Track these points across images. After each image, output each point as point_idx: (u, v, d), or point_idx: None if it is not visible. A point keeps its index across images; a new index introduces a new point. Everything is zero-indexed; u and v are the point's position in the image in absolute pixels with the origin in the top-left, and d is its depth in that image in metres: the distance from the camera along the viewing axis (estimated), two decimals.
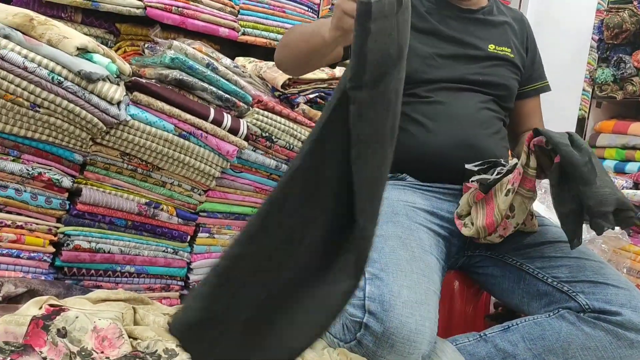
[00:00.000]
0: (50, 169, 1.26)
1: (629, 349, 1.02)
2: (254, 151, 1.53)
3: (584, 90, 3.26)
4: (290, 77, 1.64)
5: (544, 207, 1.13)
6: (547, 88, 1.48)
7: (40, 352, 0.92)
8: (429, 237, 1.15)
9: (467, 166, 1.15)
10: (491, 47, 1.34)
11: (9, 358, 0.89)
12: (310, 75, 1.59)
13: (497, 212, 1.09)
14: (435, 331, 1.02)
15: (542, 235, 1.21)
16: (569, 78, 2.93)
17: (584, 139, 3.25)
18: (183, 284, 1.51)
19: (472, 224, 1.14)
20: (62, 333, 0.95)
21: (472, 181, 1.12)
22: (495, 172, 1.12)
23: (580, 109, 3.25)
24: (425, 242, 1.13)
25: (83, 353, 0.94)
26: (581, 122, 3.30)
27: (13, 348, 0.92)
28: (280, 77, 1.65)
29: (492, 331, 1.12)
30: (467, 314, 1.36)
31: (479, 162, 1.16)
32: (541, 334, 1.07)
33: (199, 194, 1.48)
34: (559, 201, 1.03)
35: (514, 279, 1.19)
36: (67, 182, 1.28)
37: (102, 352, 0.96)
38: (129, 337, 1.01)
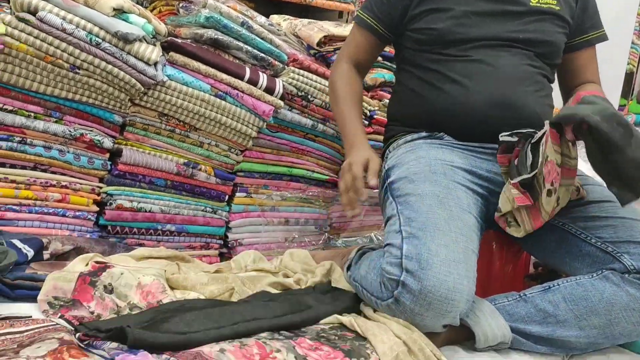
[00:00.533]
0: (91, 130, 1.28)
1: None
2: (290, 110, 1.52)
3: (633, 43, 3.10)
4: (326, 34, 1.61)
5: (587, 167, 1.09)
6: (602, 38, 1.37)
7: (88, 306, 0.96)
8: (468, 196, 1.14)
9: (500, 137, 1.12)
10: (533, 1, 1.27)
11: (59, 312, 0.93)
12: (346, 33, 1.56)
13: (544, 214, 1.08)
14: (473, 290, 1.02)
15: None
16: (618, 30, 2.78)
17: (632, 94, 3.12)
18: (222, 242, 1.54)
19: (518, 224, 1.12)
20: (109, 289, 0.99)
21: (513, 182, 1.09)
22: (528, 145, 1.08)
23: (628, 63, 3.11)
24: (464, 201, 1.11)
25: (131, 307, 0.97)
26: (629, 77, 3.16)
27: (62, 303, 0.96)
28: (316, 35, 1.62)
29: (532, 291, 1.11)
30: (506, 274, 1.34)
31: (509, 132, 1.12)
32: (584, 295, 1.05)
33: (236, 154, 1.49)
34: (599, 168, 1.00)
35: (555, 239, 1.17)
36: (107, 142, 1.30)
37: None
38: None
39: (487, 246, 1.31)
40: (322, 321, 0.98)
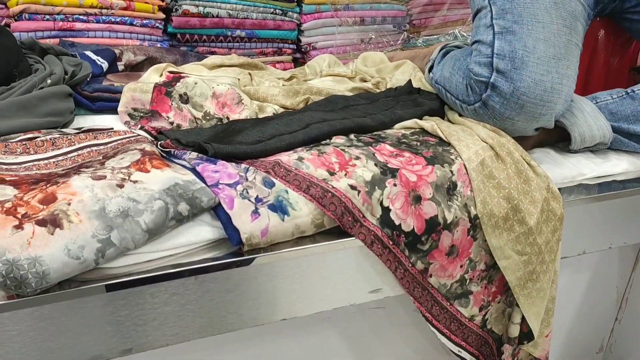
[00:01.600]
0: None
1: None
2: None
3: None
4: None
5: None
6: None
7: (167, 117, 0.96)
8: None
9: None
10: None
11: (139, 123, 0.94)
12: None
13: None
14: (573, 89, 0.91)
15: None
16: None
17: None
18: (295, 47, 1.47)
19: None
20: (184, 99, 0.97)
21: None
22: None
23: None
24: None
25: (207, 117, 0.96)
26: None
27: (142, 114, 0.97)
28: None
29: None
30: (612, 67, 1.20)
31: None
32: None
33: None
34: None
35: None
36: None
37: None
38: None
39: (592, 35, 1.15)
40: (401, 125, 0.93)
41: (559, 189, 0.87)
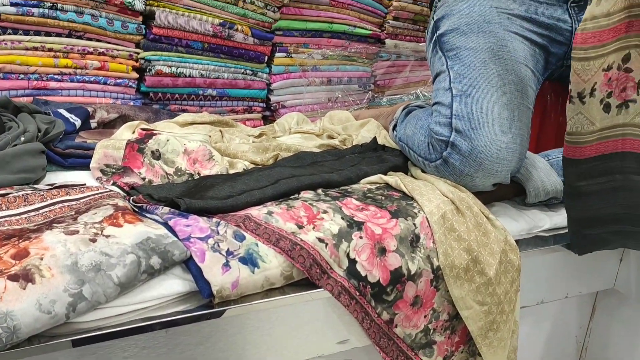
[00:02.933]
0: None
1: None
2: None
3: None
4: None
5: None
6: None
7: (139, 172, 0.98)
8: (525, 47, 1.04)
9: None
10: None
11: (112, 179, 0.95)
12: None
13: None
14: (527, 147, 0.98)
15: None
16: None
17: None
18: (264, 105, 1.52)
19: None
20: (157, 155, 1.00)
21: None
22: None
23: None
24: (520, 52, 1.03)
25: (179, 173, 0.99)
26: None
27: (114, 170, 0.99)
28: None
29: None
30: (562, 127, 1.28)
31: None
32: None
33: (273, 11, 1.40)
34: None
35: None
36: (139, 4, 1.25)
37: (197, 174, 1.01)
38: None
39: (543, 97, 1.23)
40: (367, 180, 0.98)
41: (516, 240, 0.92)
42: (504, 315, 0.86)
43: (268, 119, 1.55)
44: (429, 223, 0.84)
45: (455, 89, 0.98)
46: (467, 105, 0.94)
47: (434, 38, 1.12)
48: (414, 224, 0.83)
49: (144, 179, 0.98)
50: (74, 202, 0.82)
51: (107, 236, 0.68)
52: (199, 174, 0.99)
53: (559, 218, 1.03)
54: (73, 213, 0.77)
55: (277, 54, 1.48)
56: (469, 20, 1.06)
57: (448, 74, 1.02)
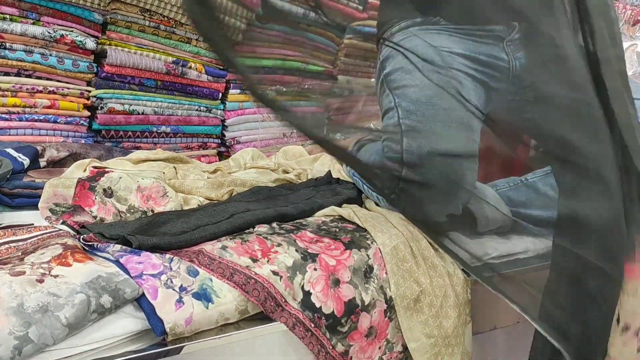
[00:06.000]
0: (72, 31, 1.22)
1: None
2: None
3: None
4: None
5: None
6: None
7: (91, 211, 0.97)
8: (467, 83, 1.09)
9: None
10: None
11: (61, 218, 0.93)
12: None
13: None
14: (475, 178, 1.01)
15: None
16: None
17: None
18: (219, 141, 1.52)
19: None
20: (109, 193, 0.99)
21: None
22: None
23: None
24: (464, 88, 1.07)
25: (132, 210, 0.98)
26: None
27: (64, 209, 0.97)
28: None
29: (534, 176, 1.10)
30: (506, 158, 1.33)
31: None
32: None
33: None
34: None
35: None
36: (90, 43, 1.25)
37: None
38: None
39: (488, 131, 1.29)
40: (322, 213, 0.99)
41: (469, 267, 0.94)
42: (449, 348, 0.87)
43: (223, 155, 1.55)
44: (381, 254, 0.85)
45: (405, 125, 1.01)
46: (416, 140, 0.97)
47: (381, 77, 1.16)
48: (367, 255, 0.84)
49: (95, 217, 0.96)
50: (20, 243, 0.79)
51: (56, 276, 0.66)
52: (152, 210, 0.98)
53: (507, 245, 1.06)
54: (20, 254, 0.75)
55: (231, 90, 1.49)
56: (413, 59, 1.10)
57: (397, 111, 1.05)
